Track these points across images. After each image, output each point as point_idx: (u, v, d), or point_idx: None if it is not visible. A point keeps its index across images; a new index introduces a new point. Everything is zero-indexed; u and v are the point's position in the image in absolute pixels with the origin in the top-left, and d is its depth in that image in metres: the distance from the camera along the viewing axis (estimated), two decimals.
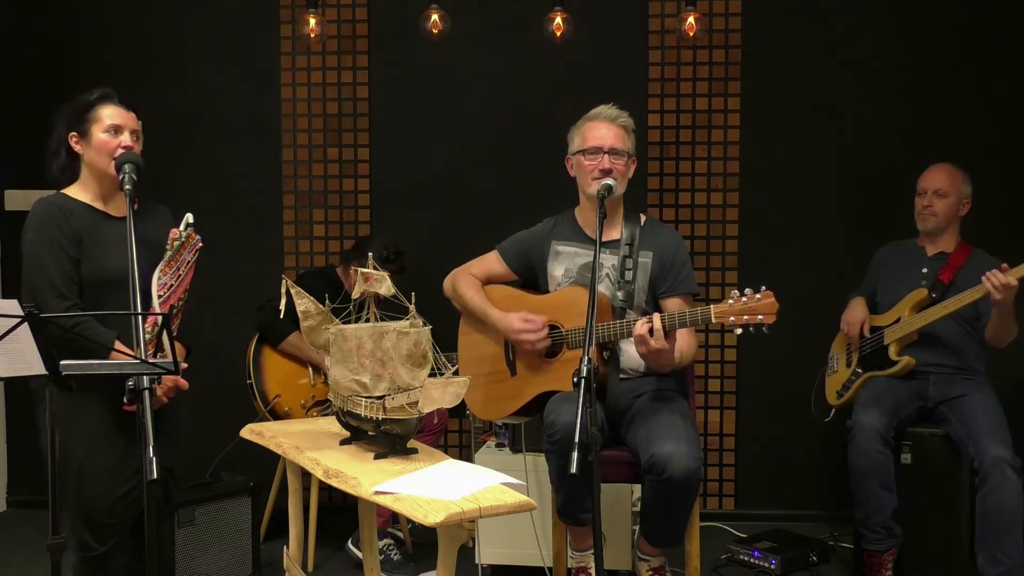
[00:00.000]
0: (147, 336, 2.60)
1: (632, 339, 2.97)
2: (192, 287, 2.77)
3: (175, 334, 2.65)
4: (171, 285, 2.64)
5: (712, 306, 2.72)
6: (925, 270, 3.61)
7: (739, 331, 2.69)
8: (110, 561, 2.68)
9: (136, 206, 2.78)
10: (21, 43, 4.56)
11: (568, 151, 3.11)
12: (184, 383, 2.67)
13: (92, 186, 2.74)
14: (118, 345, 2.57)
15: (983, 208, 3.75)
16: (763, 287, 2.68)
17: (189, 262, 2.68)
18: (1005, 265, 3.22)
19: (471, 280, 3.24)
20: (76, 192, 2.74)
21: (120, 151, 2.66)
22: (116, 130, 2.68)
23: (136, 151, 2.70)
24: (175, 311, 2.64)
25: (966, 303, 3.34)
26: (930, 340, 3.52)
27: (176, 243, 2.65)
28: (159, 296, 2.60)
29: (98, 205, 2.74)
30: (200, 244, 2.70)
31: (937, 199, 3.59)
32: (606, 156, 2.99)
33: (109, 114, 2.69)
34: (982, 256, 3.56)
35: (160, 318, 2.49)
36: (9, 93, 4.57)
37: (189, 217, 2.72)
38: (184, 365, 2.66)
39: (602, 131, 3.02)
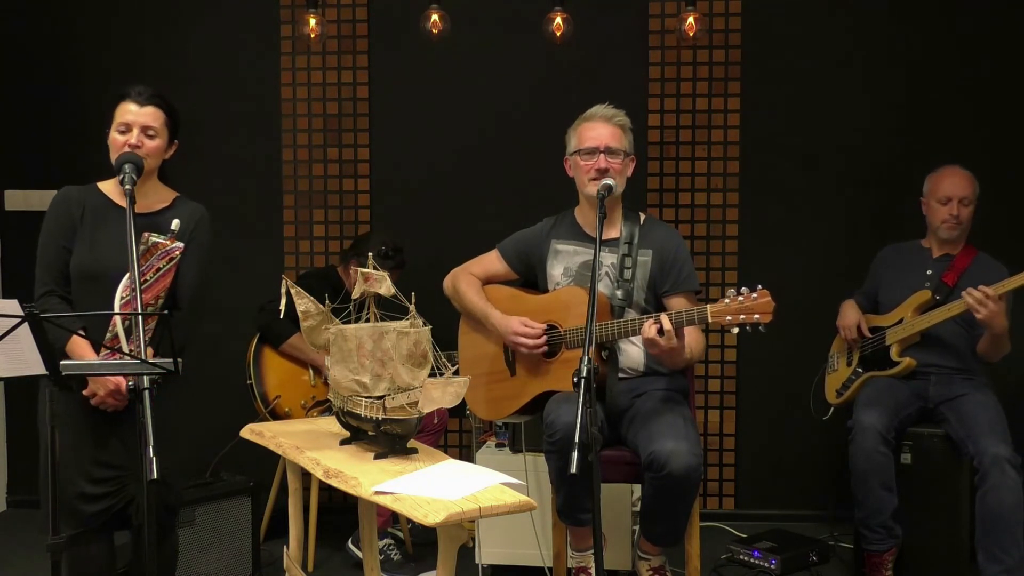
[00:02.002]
0: (108, 335, 2.62)
1: (631, 338, 2.99)
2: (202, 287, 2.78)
3: (147, 338, 2.62)
4: (133, 289, 2.63)
5: (708, 306, 2.72)
6: (929, 271, 3.60)
7: (736, 331, 2.69)
8: (91, 546, 2.69)
9: (168, 202, 2.83)
10: (22, 43, 4.56)
11: (566, 152, 3.12)
12: (120, 389, 2.64)
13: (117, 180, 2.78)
14: (76, 340, 2.62)
15: (986, 209, 3.75)
16: (759, 286, 2.68)
17: (159, 269, 2.67)
18: None
19: (471, 280, 3.24)
20: (107, 184, 2.81)
21: (126, 149, 2.67)
22: (126, 128, 2.71)
23: (148, 148, 2.72)
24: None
25: (956, 312, 3.35)
26: (930, 341, 3.52)
27: (142, 248, 2.65)
28: (121, 298, 2.60)
29: (117, 199, 2.77)
30: (177, 252, 2.70)
31: (963, 208, 3.53)
32: (602, 155, 2.99)
33: (122, 112, 2.73)
34: (986, 259, 3.56)
35: (133, 319, 2.50)
36: (9, 93, 4.57)
37: (174, 224, 2.72)
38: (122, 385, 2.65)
39: (597, 130, 3.03)
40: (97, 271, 2.66)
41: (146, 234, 2.68)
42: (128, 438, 2.66)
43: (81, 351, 2.64)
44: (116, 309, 2.59)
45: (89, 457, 2.68)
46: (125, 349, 2.54)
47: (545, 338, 3.02)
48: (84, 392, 2.66)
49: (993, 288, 3.23)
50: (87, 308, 2.65)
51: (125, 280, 2.62)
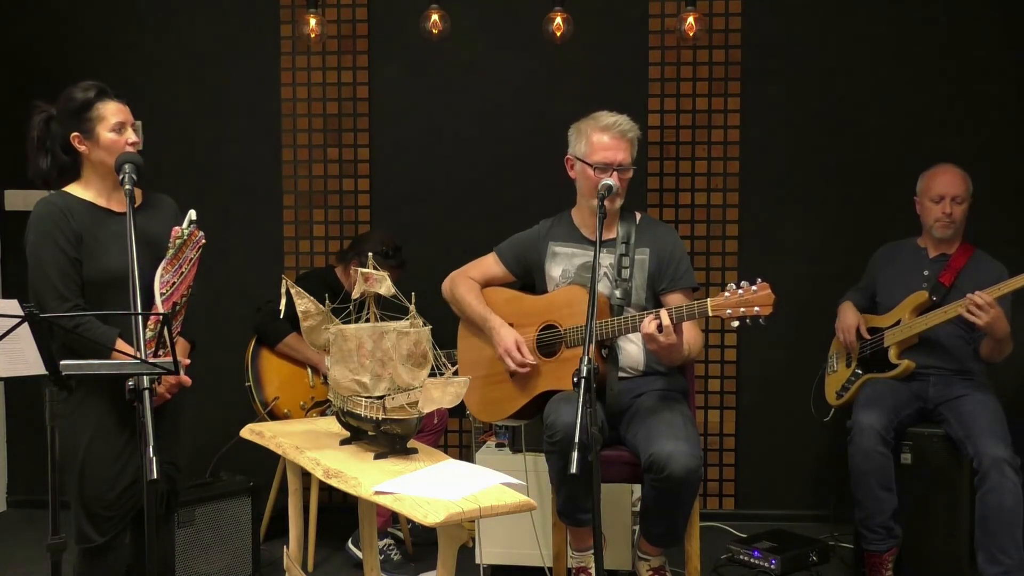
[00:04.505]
0: (149, 334, 2.60)
1: (631, 338, 2.99)
2: (202, 283, 2.78)
3: (179, 330, 2.69)
4: (173, 283, 2.64)
5: (709, 299, 2.73)
6: (926, 272, 3.59)
7: (736, 324, 2.70)
8: (109, 553, 2.68)
9: (139, 200, 2.79)
10: (21, 43, 4.56)
11: (569, 149, 3.10)
12: (187, 380, 2.66)
13: (95, 183, 2.72)
14: (120, 344, 2.58)
15: (986, 209, 3.75)
16: (759, 279, 2.68)
17: (192, 259, 2.68)
18: None
19: (470, 284, 3.24)
20: (78, 190, 2.73)
21: (128, 148, 2.66)
22: (121, 127, 2.68)
23: (139, 143, 2.71)
24: (178, 308, 2.65)
25: (953, 315, 3.35)
26: (929, 343, 3.51)
27: (178, 241, 2.66)
28: (161, 294, 2.61)
29: (100, 202, 2.72)
30: (203, 241, 2.71)
31: (955, 206, 3.52)
32: (615, 173, 2.98)
33: (112, 111, 2.68)
34: (983, 257, 3.55)
35: (161, 317, 2.49)
36: (9, 93, 4.57)
37: (192, 214, 2.72)
38: (186, 362, 2.68)
39: (613, 146, 2.98)
40: (124, 274, 2.55)
41: (176, 228, 2.66)
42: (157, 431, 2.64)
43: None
44: (158, 307, 2.58)
45: (124, 468, 2.66)
46: (168, 344, 2.51)
47: (527, 369, 3.04)
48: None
49: (989, 293, 3.23)
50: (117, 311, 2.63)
51: (159, 277, 2.62)
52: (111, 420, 2.65)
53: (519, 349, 3.04)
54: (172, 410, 2.73)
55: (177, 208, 2.84)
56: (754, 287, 2.67)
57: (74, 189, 2.74)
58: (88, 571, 2.68)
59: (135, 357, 2.49)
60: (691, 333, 2.96)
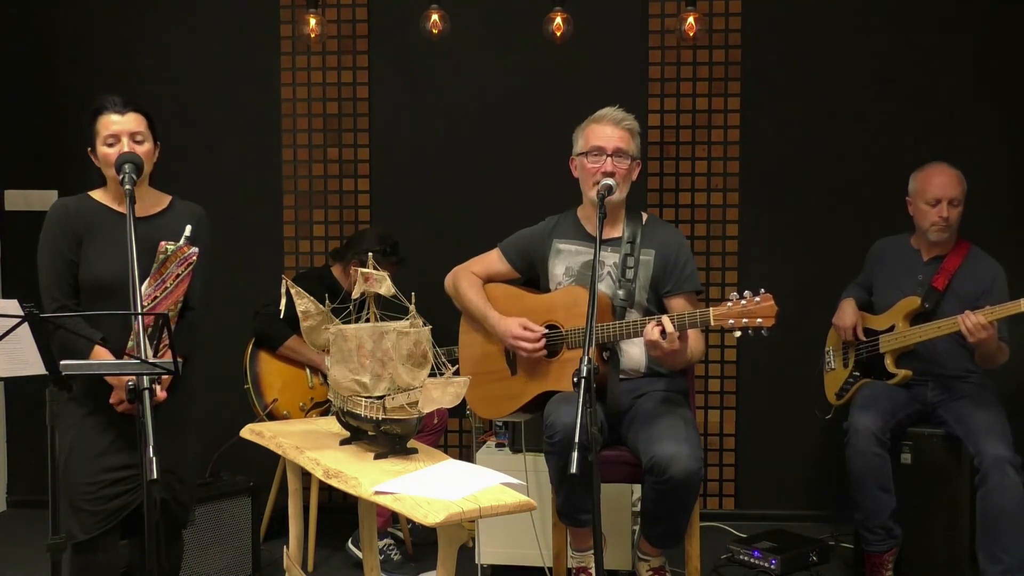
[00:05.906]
0: (131, 343, 2.61)
1: (632, 339, 2.98)
2: (202, 283, 2.78)
3: (167, 343, 2.65)
4: (156, 297, 2.65)
5: (711, 308, 2.72)
6: (920, 277, 3.54)
7: (738, 334, 2.69)
8: (99, 554, 2.68)
9: (164, 205, 2.83)
10: (21, 43, 4.56)
11: (572, 152, 3.11)
12: (162, 395, 2.61)
13: (113, 189, 2.76)
14: (99, 349, 2.60)
15: (984, 207, 3.74)
16: (762, 290, 2.68)
17: (179, 275, 2.68)
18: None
19: (472, 279, 3.24)
20: (100, 194, 2.79)
21: None
22: (115, 139, 2.69)
23: (141, 152, 2.70)
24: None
25: (947, 332, 3.32)
26: (926, 349, 3.49)
27: (162, 256, 2.66)
28: (143, 307, 2.61)
29: (116, 206, 2.75)
30: (194, 257, 2.70)
31: (952, 209, 3.44)
32: (609, 159, 2.98)
33: (106, 124, 2.70)
34: (977, 256, 3.51)
35: (150, 323, 2.49)
36: (9, 93, 4.57)
37: (187, 230, 2.72)
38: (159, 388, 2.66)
39: (607, 132, 3.01)
40: (113, 282, 2.62)
41: (163, 243, 2.67)
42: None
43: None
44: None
45: (107, 463, 2.67)
46: (149, 354, 2.52)
47: (544, 341, 3.02)
48: (111, 400, 2.65)
49: (985, 316, 3.18)
50: (105, 319, 2.64)
51: (146, 288, 2.62)
52: (95, 416, 2.67)
53: (526, 328, 3.02)
54: (173, 419, 2.71)
55: (203, 218, 2.85)
56: (757, 298, 2.67)
57: (97, 192, 2.80)
58: (77, 571, 2.68)
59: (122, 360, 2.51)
60: (693, 337, 2.96)
